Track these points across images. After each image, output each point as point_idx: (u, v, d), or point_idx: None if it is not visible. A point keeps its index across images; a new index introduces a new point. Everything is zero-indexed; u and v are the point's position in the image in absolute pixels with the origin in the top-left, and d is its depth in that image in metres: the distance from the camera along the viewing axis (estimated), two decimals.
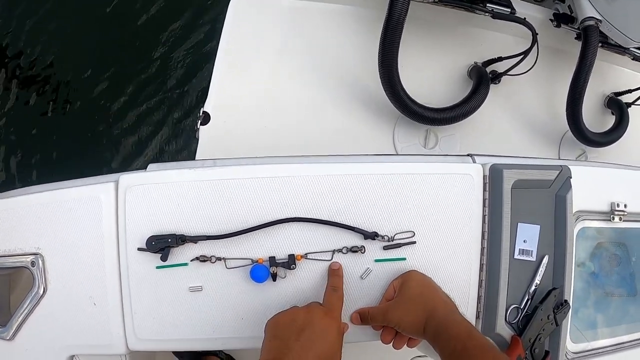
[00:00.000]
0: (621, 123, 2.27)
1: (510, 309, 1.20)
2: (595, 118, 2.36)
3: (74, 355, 1.22)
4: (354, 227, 1.17)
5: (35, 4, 3.97)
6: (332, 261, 1.18)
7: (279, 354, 0.93)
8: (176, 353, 1.35)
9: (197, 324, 1.17)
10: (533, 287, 1.21)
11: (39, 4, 3.96)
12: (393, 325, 1.12)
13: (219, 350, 1.43)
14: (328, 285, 1.14)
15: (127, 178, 1.18)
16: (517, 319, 1.20)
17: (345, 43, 2.12)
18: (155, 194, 1.16)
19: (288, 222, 1.17)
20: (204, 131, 1.92)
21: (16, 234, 1.22)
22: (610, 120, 2.35)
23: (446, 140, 2.09)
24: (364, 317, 1.17)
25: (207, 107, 1.95)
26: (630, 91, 2.35)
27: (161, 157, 3.67)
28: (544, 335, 1.20)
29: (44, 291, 1.20)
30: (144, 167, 1.24)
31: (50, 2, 3.95)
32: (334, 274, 1.16)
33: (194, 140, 1.93)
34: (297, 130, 2.01)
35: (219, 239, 1.15)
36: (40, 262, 1.20)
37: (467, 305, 1.22)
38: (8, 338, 1.21)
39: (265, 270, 1.14)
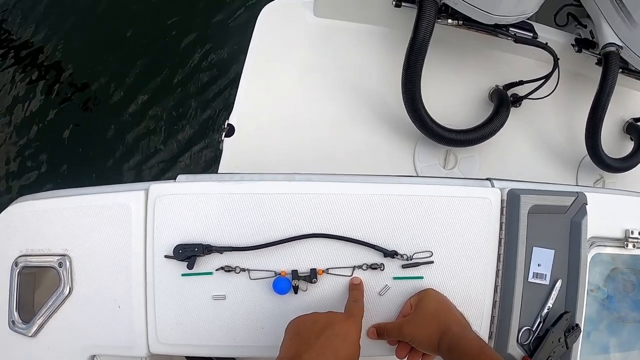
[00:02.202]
0: None
1: (523, 330, 1.22)
2: (613, 143, 2.36)
3: (95, 355, 1.25)
4: (374, 245, 1.20)
5: (65, 11, 4.04)
6: (352, 277, 1.21)
7: (298, 351, 0.95)
8: (188, 358, 1.38)
9: (219, 331, 1.20)
10: (545, 310, 1.23)
11: (68, 11, 4.04)
12: (408, 340, 1.15)
13: (232, 358, 1.45)
14: (349, 298, 1.17)
15: (157, 188, 1.22)
16: (528, 340, 1.22)
17: (369, 62, 2.14)
18: (184, 204, 1.20)
19: (311, 237, 1.20)
20: (228, 143, 1.95)
21: (45, 235, 1.25)
22: (629, 146, 2.34)
23: (466, 161, 2.11)
24: (380, 331, 1.19)
25: (232, 119, 1.98)
26: None
27: (187, 167, 3.72)
28: (555, 358, 1.22)
29: (69, 291, 1.23)
30: (172, 177, 1.28)
31: (88, 13, 4.03)
32: (355, 288, 1.19)
33: (219, 151, 1.96)
34: (319, 146, 2.03)
35: (244, 250, 1.19)
36: (67, 263, 1.23)
37: (480, 325, 1.24)
38: (31, 335, 1.24)
39: (288, 283, 1.18)
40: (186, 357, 1.31)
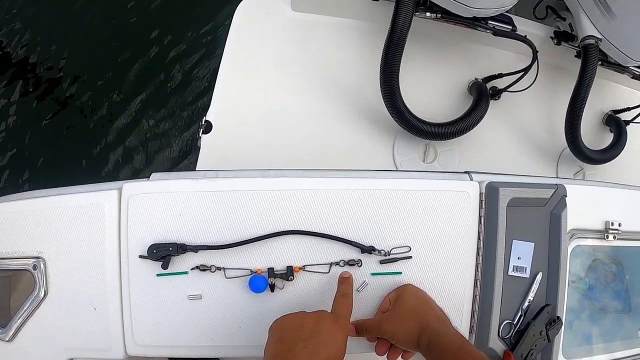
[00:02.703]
0: (619, 141, 2.28)
1: (504, 324, 1.21)
2: (593, 135, 2.38)
3: (72, 358, 1.23)
4: (352, 241, 1.19)
5: (44, 9, 4.00)
6: (343, 271, 1.20)
7: (285, 355, 0.94)
8: (172, 359, 1.37)
9: (195, 332, 1.19)
10: (526, 303, 1.23)
11: (47, 9, 4.00)
12: (387, 337, 1.14)
13: (215, 358, 1.44)
14: (338, 292, 1.15)
15: (131, 186, 1.20)
16: (509, 334, 1.22)
17: (348, 56, 2.14)
18: (158, 203, 1.18)
19: (287, 234, 1.19)
20: (205, 140, 1.94)
21: (19, 237, 1.24)
22: (608, 138, 2.36)
23: (445, 154, 2.10)
24: (359, 328, 1.18)
25: (210, 116, 1.96)
26: (629, 109, 2.36)
27: (163, 164, 3.69)
28: (536, 351, 1.22)
29: (44, 294, 1.21)
30: (146, 175, 1.26)
31: (58, 10, 3.99)
32: (344, 281, 1.17)
33: (196, 148, 1.95)
34: (298, 141, 2.02)
35: (219, 249, 1.17)
36: (42, 265, 1.21)
37: (460, 319, 1.23)
38: (7, 339, 1.22)
39: (264, 281, 1.16)
40: (168, 358, 1.31)
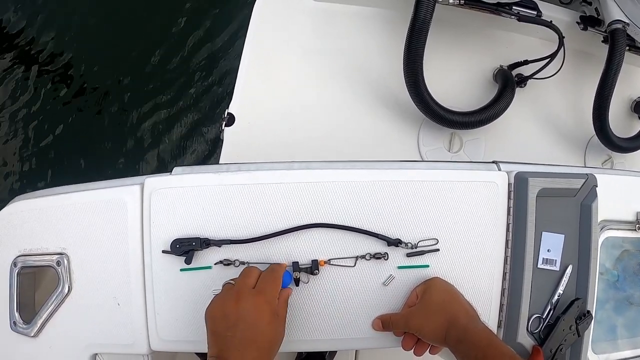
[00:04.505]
0: None
1: (532, 318, 1.19)
2: (621, 123, 2.33)
3: (97, 354, 1.23)
4: (378, 234, 1.17)
5: (69, 5, 4.02)
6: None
7: (221, 352, 0.94)
8: (199, 353, 1.37)
9: None
10: (556, 297, 1.20)
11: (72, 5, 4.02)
12: (414, 332, 1.12)
13: None
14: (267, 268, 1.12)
15: (153, 181, 1.19)
16: (539, 328, 1.19)
17: (371, 45, 2.12)
18: (180, 197, 1.18)
19: (312, 227, 1.17)
20: (228, 132, 1.94)
21: (42, 234, 1.24)
22: (637, 125, 2.32)
23: (471, 144, 2.08)
24: (385, 323, 1.17)
25: (232, 108, 1.96)
26: None
27: (186, 158, 3.71)
28: (566, 346, 1.19)
29: (68, 290, 1.21)
30: (169, 169, 1.25)
31: (80, 6, 4.00)
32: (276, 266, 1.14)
33: (219, 141, 1.95)
34: (322, 132, 2.01)
35: (243, 243, 1.16)
36: (65, 261, 1.21)
37: (489, 313, 1.21)
38: (32, 335, 1.22)
39: (288, 275, 1.14)
40: (196, 353, 1.30)
